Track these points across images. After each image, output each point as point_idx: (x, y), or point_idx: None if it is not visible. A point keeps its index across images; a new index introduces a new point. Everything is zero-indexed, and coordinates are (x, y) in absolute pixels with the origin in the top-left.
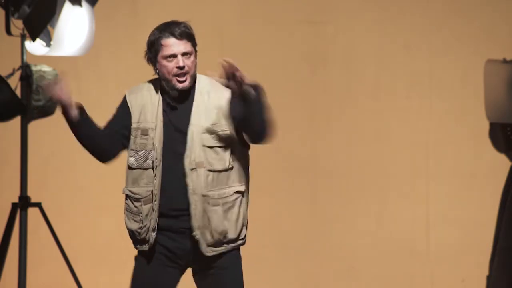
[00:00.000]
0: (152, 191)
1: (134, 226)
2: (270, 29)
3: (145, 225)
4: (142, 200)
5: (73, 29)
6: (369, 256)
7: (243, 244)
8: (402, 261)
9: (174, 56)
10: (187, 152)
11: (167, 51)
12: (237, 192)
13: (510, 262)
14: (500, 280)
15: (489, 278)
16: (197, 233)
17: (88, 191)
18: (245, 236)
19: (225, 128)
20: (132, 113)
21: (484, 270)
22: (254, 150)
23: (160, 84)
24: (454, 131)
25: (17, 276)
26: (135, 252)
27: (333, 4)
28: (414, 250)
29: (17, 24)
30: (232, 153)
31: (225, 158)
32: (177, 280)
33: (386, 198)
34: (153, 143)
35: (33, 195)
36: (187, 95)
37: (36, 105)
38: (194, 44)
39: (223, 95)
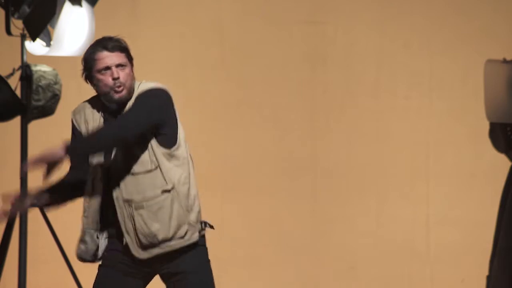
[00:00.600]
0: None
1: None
2: (270, 29)
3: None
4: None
5: (73, 29)
6: (369, 256)
7: (194, 242)
8: (402, 261)
9: (108, 68)
10: (110, 158)
11: (100, 64)
12: (164, 191)
13: (510, 262)
14: (500, 280)
15: (489, 278)
16: (126, 238)
17: None
18: (192, 234)
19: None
20: (81, 132)
21: (484, 270)
22: (255, 150)
23: (100, 101)
24: (454, 131)
25: (17, 276)
26: None
27: (333, 4)
28: (414, 250)
29: (17, 24)
30: (153, 154)
31: (145, 159)
32: None
33: (386, 198)
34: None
35: None
36: (122, 109)
37: (36, 105)
38: (128, 56)
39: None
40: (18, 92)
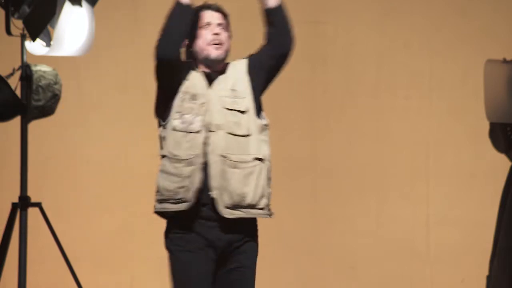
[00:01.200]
0: (197, 154)
1: (171, 186)
2: None
3: (184, 186)
4: (183, 162)
5: (73, 29)
6: (369, 256)
7: (264, 215)
8: (402, 261)
9: (209, 24)
10: (207, 117)
11: (203, 20)
12: (256, 159)
13: (510, 262)
14: (500, 280)
15: (489, 278)
16: (214, 193)
17: (88, 191)
18: (266, 207)
19: (244, 95)
20: (185, 78)
21: (484, 270)
22: None
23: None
24: (454, 131)
25: (17, 276)
26: (134, 251)
27: (333, 4)
28: (414, 250)
29: (17, 24)
30: (251, 121)
31: (243, 124)
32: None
33: (386, 198)
34: (201, 109)
35: (33, 195)
36: (215, 77)
37: (36, 105)
38: (229, 25)
39: (241, 65)
40: (18, 92)
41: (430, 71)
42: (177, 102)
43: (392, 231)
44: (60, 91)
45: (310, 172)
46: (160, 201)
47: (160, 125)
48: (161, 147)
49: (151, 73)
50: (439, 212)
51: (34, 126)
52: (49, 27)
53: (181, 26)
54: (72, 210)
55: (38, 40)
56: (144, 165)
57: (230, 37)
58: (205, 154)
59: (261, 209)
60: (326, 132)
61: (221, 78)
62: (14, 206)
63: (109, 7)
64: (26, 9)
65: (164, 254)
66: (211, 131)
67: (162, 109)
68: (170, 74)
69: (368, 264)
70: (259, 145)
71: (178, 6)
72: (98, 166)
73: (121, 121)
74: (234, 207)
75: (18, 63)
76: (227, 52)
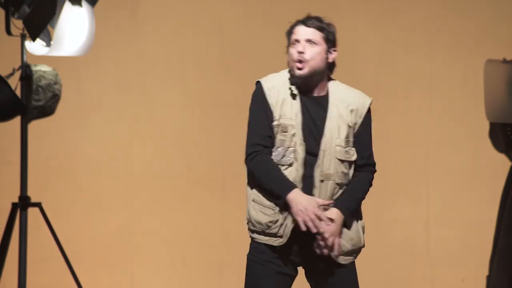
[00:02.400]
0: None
1: (264, 219)
2: (270, 29)
3: (277, 220)
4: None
5: (73, 29)
6: (369, 256)
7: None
8: (402, 261)
9: (298, 41)
10: (318, 162)
11: (293, 37)
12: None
13: (510, 262)
14: (500, 280)
15: (489, 278)
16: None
17: (88, 191)
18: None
19: (352, 144)
20: (272, 109)
21: (484, 270)
22: None
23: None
24: (454, 131)
25: (17, 276)
26: (134, 251)
27: (333, 4)
28: (414, 250)
29: (17, 24)
30: (353, 169)
31: (350, 173)
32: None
33: (386, 198)
34: (292, 140)
35: (33, 195)
36: (313, 87)
37: (36, 105)
38: (325, 38)
39: (364, 104)
40: (18, 92)
41: (430, 71)
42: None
43: (392, 231)
44: (60, 91)
45: None
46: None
47: None
48: None
49: (151, 73)
50: (439, 212)
51: (34, 126)
52: (49, 27)
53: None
54: (72, 210)
55: (38, 40)
56: (144, 165)
57: (326, 51)
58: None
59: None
60: None
61: (333, 106)
62: (14, 206)
63: (109, 7)
64: (26, 9)
65: (164, 254)
66: (321, 181)
67: None
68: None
69: (368, 264)
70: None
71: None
72: (98, 166)
73: (121, 121)
74: (349, 253)
75: (18, 63)
76: (314, 69)
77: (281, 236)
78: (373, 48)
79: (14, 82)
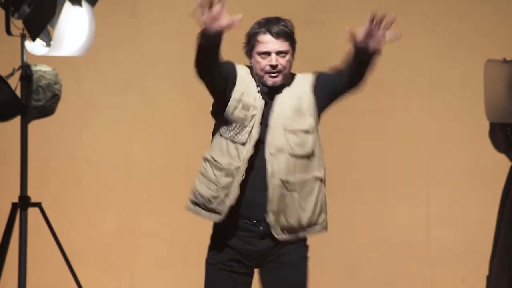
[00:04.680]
0: (238, 167)
1: (206, 192)
2: None
3: (218, 196)
4: (223, 171)
5: (73, 29)
6: (369, 256)
7: (320, 230)
8: (402, 261)
9: (268, 54)
10: (268, 137)
11: (261, 48)
12: (316, 178)
13: (510, 262)
14: (500, 280)
15: (489, 278)
16: (271, 218)
17: (88, 191)
18: (323, 221)
19: (307, 113)
20: (237, 82)
21: (484, 270)
22: None
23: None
24: (454, 131)
25: (17, 276)
26: (134, 251)
27: (333, 4)
28: (414, 250)
29: (17, 24)
30: (313, 139)
31: (307, 143)
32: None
33: (386, 198)
34: (251, 121)
35: (33, 195)
36: (277, 91)
37: (36, 105)
38: (292, 43)
39: (306, 82)
40: (18, 92)
41: (430, 71)
42: (229, 109)
43: (392, 231)
44: (60, 91)
45: None
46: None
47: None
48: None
49: (151, 73)
50: (439, 212)
51: (34, 126)
52: (49, 27)
53: (214, 55)
54: (72, 210)
55: (38, 40)
56: (144, 165)
57: (292, 58)
58: (261, 175)
59: (317, 224)
60: (326, 132)
61: (283, 95)
62: (14, 206)
63: (109, 7)
64: (26, 9)
65: (164, 254)
66: (271, 153)
67: (215, 109)
68: (214, 79)
69: (368, 264)
70: (319, 164)
71: (205, 38)
72: (98, 166)
73: (121, 121)
74: (290, 231)
75: (18, 63)
76: (286, 76)
77: (219, 213)
78: None
79: (14, 82)
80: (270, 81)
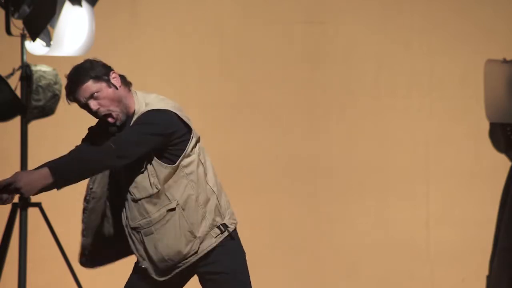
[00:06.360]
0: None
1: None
2: (270, 29)
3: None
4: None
5: (73, 29)
6: (369, 256)
7: (213, 248)
8: (402, 261)
9: (85, 107)
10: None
11: (77, 103)
12: (170, 210)
13: (510, 262)
14: (500, 280)
15: (489, 278)
16: (142, 263)
17: None
18: (206, 244)
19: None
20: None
21: (484, 270)
22: (254, 150)
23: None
24: (454, 131)
25: (17, 276)
26: None
27: (333, 4)
28: (414, 250)
29: (17, 24)
30: (156, 176)
31: (146, 184)
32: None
33: (386, 198)
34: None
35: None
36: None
37: (36, 105)
38: (97, 77)
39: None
40: (18, 92)
41: (430, 71)
42: None
43: (392, 231)
44: (60, 91)
45: (310, 172)
46: None
47: None
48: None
49: (151, 73)
50: (439, 212)
51: (34, 126)
52: (49, 27)
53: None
54: (72, 210)
55: (38, 40)
56: None
57: (110, 85)
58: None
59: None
60: (326, 132)
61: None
62: (14, 206)
63: (109, 7)
64: (26, 9)
65: None
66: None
67: None
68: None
69: (368, 264)
70: (169, 193)
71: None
72: None
73: None
74: (170, 268)
75: (18, 63)
76: (118, 107)
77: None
78: (373, 48)
79: (14, 82)
80: (110, 121)
